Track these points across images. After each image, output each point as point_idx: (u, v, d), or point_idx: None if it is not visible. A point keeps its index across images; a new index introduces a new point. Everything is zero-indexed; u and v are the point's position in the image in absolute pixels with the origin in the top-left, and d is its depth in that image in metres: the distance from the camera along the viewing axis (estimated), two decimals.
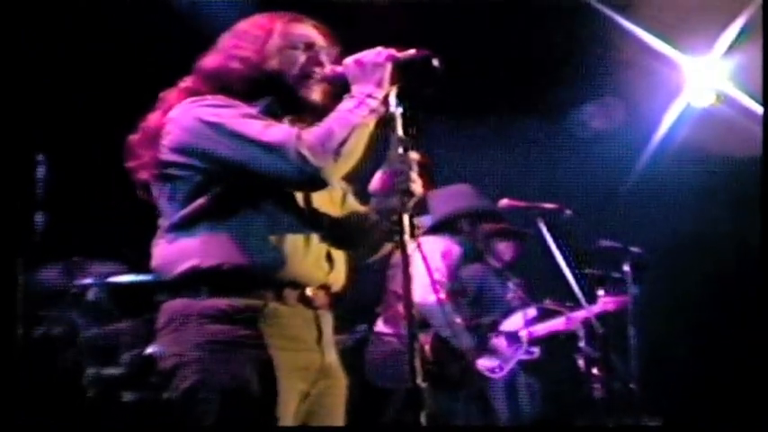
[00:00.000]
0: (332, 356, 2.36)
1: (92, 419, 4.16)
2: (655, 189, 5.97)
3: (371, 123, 2.23)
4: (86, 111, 5.06)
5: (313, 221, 2.32)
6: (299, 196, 2.32)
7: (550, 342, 4.85)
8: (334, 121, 2.20)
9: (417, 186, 2.25)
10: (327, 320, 2.36)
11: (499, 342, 4.66)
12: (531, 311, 4.80)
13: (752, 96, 5.69)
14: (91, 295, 4.43)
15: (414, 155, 2.26)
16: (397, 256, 2.90)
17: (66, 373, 4.26)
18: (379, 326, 4.58)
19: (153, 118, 2.32)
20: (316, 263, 2.30)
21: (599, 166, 5.85)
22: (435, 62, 2.22)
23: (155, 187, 2.30)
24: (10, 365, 3.87)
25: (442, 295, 4.37)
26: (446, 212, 4.68)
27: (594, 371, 4.54)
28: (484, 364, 4.55)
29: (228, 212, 2.22)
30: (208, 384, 2.16)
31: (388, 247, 2.50)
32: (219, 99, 2.27)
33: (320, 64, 2.35)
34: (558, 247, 4.43)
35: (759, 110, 5.56)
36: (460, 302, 4.57)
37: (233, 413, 2.15)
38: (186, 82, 2.37)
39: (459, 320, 4.49)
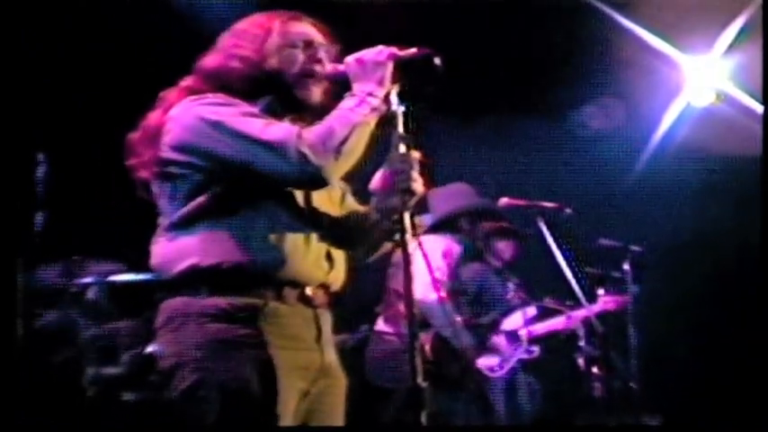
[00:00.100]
0: (331, 356, 2.36)
1: (92, 419, 4.16)
2: (655, 188, 5.97)
3: (372, 122, 2.23)
4: (86, 110, 5.06)
5: (313, 220, 2.32)
6: (299, 195, 2.32)
7: (550, 341, 4.85)
8: (335, 120, 2.20)
9: (418, 185, 2.25)
10: (327, 319, 2.36)
11: (499, 341, 4.66)
12: (531, 310, 4.80)
13: (752, 95, 5.69)
14: (91, 294, 4.43)
15: (415, 154, 2.26)
16: (398, 254, 2.91)
17: (66, 372, 4.26)
18: (380, 325, 4.58)
19: (153, 116, 2.32)
20: (315, 262, 2.30)
21: (599, 165, 5.85)
22: (437, 61, 2.22)
23: (155, 186, 2.30)
24: (9, 365, 3.86)
25: (443, 294, 4.37)
26: (446, 211, 4.68)
27: (594, 370, 4.55)
28: (483, 362, 4.56)
29: (228, 211, 2.22)
30: (207, 383, 2.16)
31: (387, 246, 2.50)
32: (220, 97, 2.27)
33: (320, 62, 2.35)
34: (558, 245, 4.43)
35: (759, 109, 5.56)
36: (460, 301, 4.57)
37: (233, 412, 2.15)
38: (186, 81, 2.37)
39: (459, 319, 4.49)
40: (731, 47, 5.58)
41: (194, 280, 2.21)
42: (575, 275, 4.43)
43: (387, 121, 2.25)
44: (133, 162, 2.32)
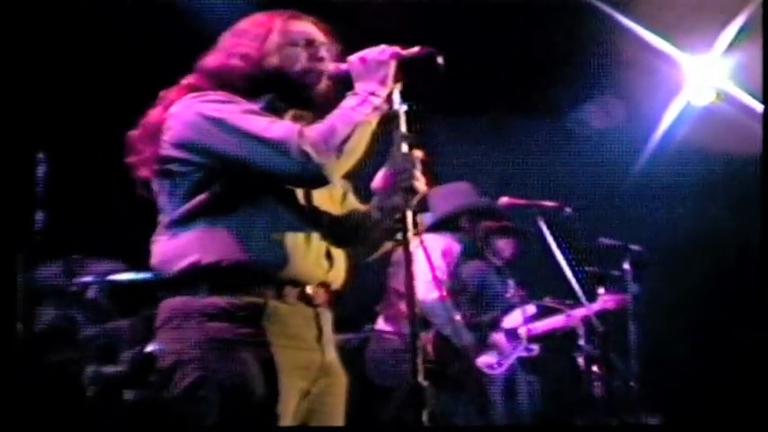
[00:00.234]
0: (332, 355, 2.36)
1: (92, 418, 4.16)
2: (655, 187, 5.97)
3: (374, 121, 2.23)
4: (86, 109, 5.06)
5: (313, 219, 2.32)
6: (300, 194, 2.32)
7: (550, 340, 4.85)
8: (337, 119, 2.20)
9: (421, 184, 2.25)
10: (327, 318, 2.36)
11: (498, 339, 4.67)
12: (531, 309, 4.80)
13: (752, 94, 5.69)
14: (91, 293, 4.42)
15: (417, 153, 2.26)
16: (398, 253, 2.91)
17: (66, 371, 4.26)
18: (380, 324, 4.58)
19: (153, 114, 2.32)
20: (316, 261, 2.30)
21: (599, 165, 5.84)
22: (439, 60, 2.22)
23: (155, 184, 2.30)
24: (9, 364, 3.86)
25: (444, 293, 4.37)
26: (447, 210, 4.68)
27: (594, 369, 4.55)
28: (483, 361, 4.56)
29: (228, 209, 2.22)
30: (208, 382, 2.16)
31: (387, 245, 2.50)
32: (221, 95, 2.27)
33: (321, 61, 2.35)
34: (558, 244, 4.44)
35: (759, 108, 5.56)
36: (460, 300, 4.57)
37: (233, 411, 2.15)
38: (187, 79, 2.37)
39: (459, 318, 4.49)
40: (731, 46, 5.58)
41: (194, 278, 2.21)
42: (574, 274, 4.43)
43: (388, 120, 2.25)
44: (133, 160, 2.32)
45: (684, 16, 5.35)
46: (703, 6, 5.24)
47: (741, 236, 5.61)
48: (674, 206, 5.88)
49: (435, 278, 3.94)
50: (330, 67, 2.34)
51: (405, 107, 2.26)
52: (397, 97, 2.26)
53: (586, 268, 4.79)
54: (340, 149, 2.16)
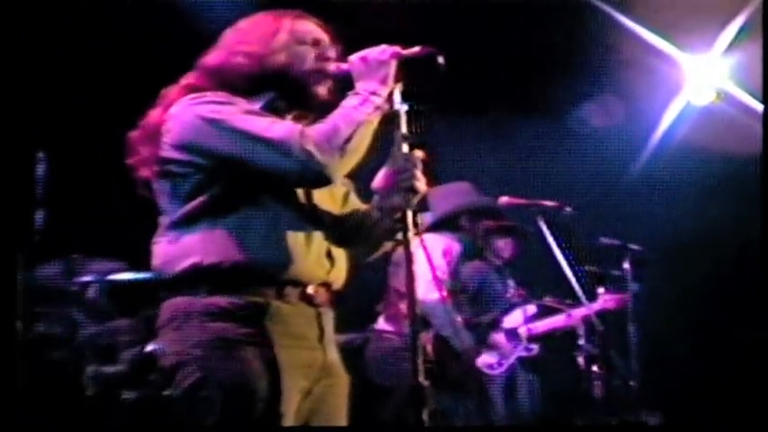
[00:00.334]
0: (333, 355, 2.36)
1: (92, 418, 4.16)
2: (655, 186, 5.97)
3: (376, 121, 2.23)
4: (87, 109, 5.05)
5: (314, 219, 2.32)
6: (300, 194, 2.32)
7: (550, 339, 4.85)
8: (340, 118, 2.20)
9: (421, 184, 2.25)
10: (329, 318, 2.36)
11: (498, 339, 4.67)
12: (531, 309, 4.80)
13: (752, 94, 5.69)
14: (91, 293, 4.43)
15: (418, 153, 2.26)
16: (399, 253, 2.91)
17: (66, 371, 4.26)
18: (380, 324, 4.58)
19: (153, 114, 2.31)
20: (316, 260, 2.30)
21: (599, 164, 5.85)
22: (440, 60, 2.22)
23: (155, 184, 2.29)
24: (9, 363, 3.86)
25: (444, 293, 4.37)
26: (447, 210, 4.68)
27: (594, 368, 4.55)
28: (483, 360, 4.56)
29: (229, 210, 2.22)
30: (209, 382, 2.15)
31: (387, 245, 2.50)
32: (220, 95, 2.26)
33: (327, 60, 2.35)
34: (558, 244, 4.44)
35: (759, 107, 5.56)
36: (461, 300, 4.57)
37: (234, 411, 2.14)
38: (188, 78, 2.36)
39: (459, 318, 4.49)
40: (731, 45, 5.59)
41: (195, 279, 2.20)
42: (574, 274, 4.43)
43: (389, 120, 2.25)
44: (133, 161, 2.32)
45: (684, 16, 5.35)
46: (703, 6, 5.24)
47: (741, 235, 5.61)
48: (674, 206, 5.89)
49: (436, 278, 3.94)
50: (331, 66, 2.34)
51: (405, 107, 2.26)
52: (397, 97, 2.26)
53: (586, 268, 4.80)
54: (343, 149, 2.16)
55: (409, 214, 2.20)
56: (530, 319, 4.77)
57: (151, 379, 4.06)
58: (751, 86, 5.67)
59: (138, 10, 4.83)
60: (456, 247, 4.63)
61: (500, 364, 4.60)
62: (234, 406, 2.14)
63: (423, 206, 2.27)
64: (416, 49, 2.27)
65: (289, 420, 2.18)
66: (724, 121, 5.75)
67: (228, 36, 2.40)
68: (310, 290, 2.28)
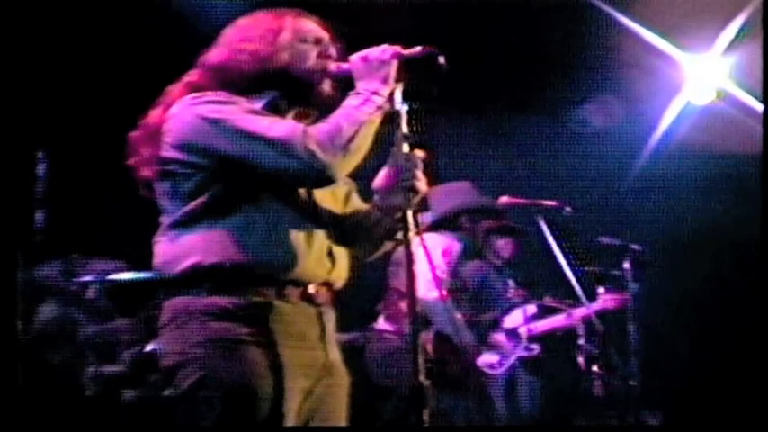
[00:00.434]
0: (335, 354, 2.36)
1: (91, 418, 4.16)
2: (655, 186, 5.98)
3: (378, 120, 2.23)
4: (87, 108, 5.06)
5: (315, 218, 2.32)
6: (301, 194, 2.31)
7: (550, 339, 4.85)
8: (342, 118, 2.20)
9: (422, 184, 2.25)
10: (330, 318, 2.35)
11: (499, 338, 4.67)
12: (531, 308, 4.80)
13: (752, 94, 5.69)
14: (90, 293, 4.43)
15: (419, 152, 2.26)
16: (399, 252, 2.91)
17: (66, 370, 4.26)
18: (381, 323, 4.58)
19: (154, 114, 2.31)
20: (318, 260, 2.29)
21: (599, 164, 5.86)
22: (441, 59, 2.22)
23: (156, 184, 2.29)
24: (9, 363, 3.86)
25: (444, 292, 4.37)
26: (447, 209, 4.68)
27: (594, 368, 4.55)
28: (483, 360, 4.56)
29: (230, 210, 2.21)
30: (210, 382, 2.15)
31: (388, 245, 2.50)
32: (221, 95, 2.26)
33: (329, 59, 2.35)
34: (558, 244, 4.44)
35: (759, 107, 5.57)
36: (461, 299, 4.57)
37: (235, 411, 2.14)
38: (190, 76, 2.36)
39: (459, 317, 4.49)
40: (731, 45, 5.59)
41: (196, 279, 2.20)
42: (574, 274, 4.43)
43: (390, 119, 2.25)
44: (134, 161, 2.31)
45: (684, 16, 5.35)
46: (703, 6, 5.24)
47: (741, 235, 5.61)
48: (673, 205, 5.89)
49: (436, 278, 3.94)
50: (332, 66, 2.34)
51: (406, 107, 2.26)
52: (398, 97, 2.26)
53: (586, 267, 4.80)
54: (346, 148, 2.16)
55: (410, 214, 2.20)
56: (530, 319, 4.77)
57: (151, 379, 4.06)
58: (751, 86, 5.67)
59: (139, 9, 4.83)
60: (456, 247, 4.63)
61: (501, 364, 4.60)
62: (234, 406, 2.14)
63: (423, 206, 2.27)
64: (417, 49, 2.27)
65: (289, 420, 2.18)
66: (724, 121, 5.75)
67: (229, 34, 2.40)
68: (311, 289, 2.28)
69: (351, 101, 2.23)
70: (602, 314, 4.65)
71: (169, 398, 2.21)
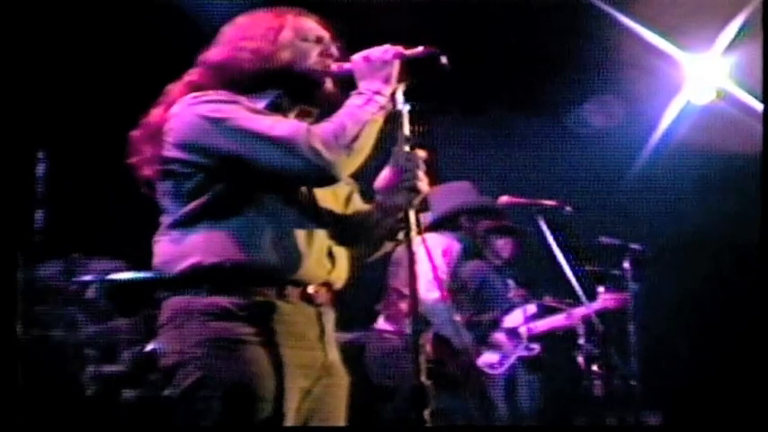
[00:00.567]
0: (334, 354, 2.36)
1: (91, 417, 4.16)
2: (655, 186, 5.98)
3: (380, 120, 2.23)
4: (87, 107, 5.05)
5: (315, 219, 2.32)
6: (302, 193, 2.31)
7: (550, 339, 4.85)
8: (346, 117, 2.20)
9: (423, 184, 2.25)
10: (329, 318, 2.35)
11: (499, 338, 4.66)
12: (531, 308, 4.79)
13: (752, 93, 5.70)
14: (90, 292, 4.43)
15: (420, 152, 2.26)
16: (399, 252, 2.91)
17: (66, 370, 4.26)
18: (381, 323, 4.58)
19: (155, 113, 2.31)
20: (318, 260, 2.29)
21: (599, 163, 5.86)
22: (442, 60, 2.22)
23: (157, 184, 2.29)
24: (9, 363, 3.86)
25: (444, 292, 4.36)
26: (447, 209, 4.68)
27: (594, 368, 4.54)
28: (484, 360, 4.56)
29: (231, 210, 2.21)
30: (209, 382, 2.15)
31: (388, 246, 2.50)
32: (222, 94, 2.26)
33: (330, 57, 2.35)
34: (558, 243, 4.43)
35: (759, 107, 5.57)
36: (461, 299, 4.57)
37: (235, 411, 2.14)
38: (191, 75, 2.36)
39: (459, 317, 4.49)
40: (731, 45, 5.59)
41: (196, 279, 2.20)
42: (574, 273, 4.42)
43: (391, 119, 2.25)
44: (136, 160, 2.31)
45: (684, 16, 5.35)
46: (704, 5, 5.24)
47: (741, 235, 5.61)
48: (673, 205, 5.89)
49: (437, 278, 3.94)
50: (333, 66, 2.34)
51: (408, 107, 2.26)
52: (400, 97, 2.26)
53: (586, 267, 4.79)
54: (350, 147, 2.16)
55: (411, 214, 2.20)
56: (530, 319, 4.76)
57: (151, 379, 4.06)
58: (751, 86, 5.67)
59: (139, 8, 4.83)
60: (456, 247, 4.63)
61: (501, 364, 4.60)
62: (234, 406, 2.14)
63: (424, 206, 2.27)
64: (419, 49, 2.27)
65: (289, 420, 2.18)
66: (724, 121, 5.75)
67: (229, 33, 2.40)
68: (311, 289, 2.28)
69: (353, 100, 2.23)
70: (602, 314, 4.65)
71: (169, 398, 2.21)
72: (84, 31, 4.97)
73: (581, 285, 4.44)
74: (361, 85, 2.25)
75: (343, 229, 2.38)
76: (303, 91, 2.34)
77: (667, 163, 5.99)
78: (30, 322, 4.18)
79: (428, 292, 3.96)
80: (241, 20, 2.41)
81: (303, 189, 2.31)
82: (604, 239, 4.86)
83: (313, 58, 2.34)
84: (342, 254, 2.37)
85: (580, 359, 4.63)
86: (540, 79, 5.80)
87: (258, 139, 2.15)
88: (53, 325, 4.34)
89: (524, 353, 4.72)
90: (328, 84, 2.34)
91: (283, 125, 2.18)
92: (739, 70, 5.70)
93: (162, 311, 2.26)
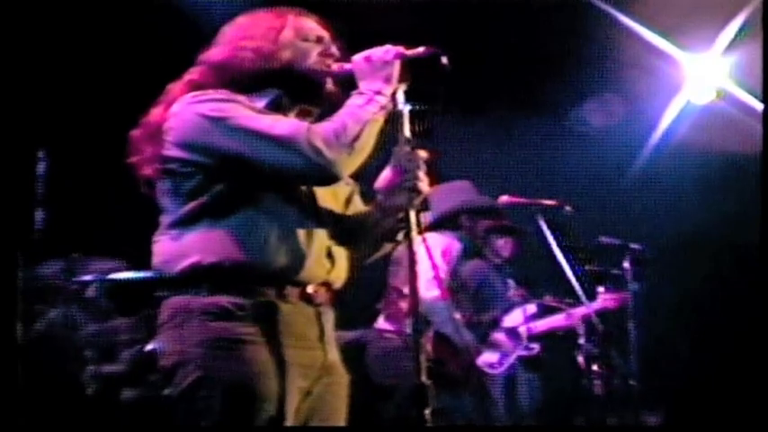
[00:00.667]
0: (334, 354, 2.36)
1: (91, 417, 4.16)
2: (655, 185, 5.99)
3: (381, 120, 2.23)
4: (87, 107, 5.05)
5: (315, 219, 2.31)
6: (302, 193, 2.31)
7: (550, 339, 4.85)
8: (347, 116, 2.20)
9: (424, 184, 2.25)
10: (329, 318, 2.35)
11: (499, 338, 4.66)
12: (531, 308, 4.79)
13: (752, 93, 5.70)
14: (90, 292, 4.42)
15: (421, 152, 2.26)
16: (399, 252, 2.91)
17: (66, 370, 4.25)
18: (381, 323, 4.58)
19: (155, 113, 2.31)
20: (317, 260, 2.29)
21: (599, 163, 5.86)
22: (444, 60, 2.22)
23: (157, 183, 2.29)
24: (9, 363, 3.86)
25: (444, 292, 4.36)
26: (447, 209, 4.67)
27: (594, 367, 4.54)
28: (484, 359, 4.56)
29: (230, 209, 2.21)
30: (209, 382, 2.15)
31: (388, 246, 2.50)
32: (222, 93, 2.26)
33: (331, 57, 2.35)
34: (558, 243, 4.43)
35: (759, 107, 5.57)
36: (460, 299, 4.57)
37: (234, 411, 2.14)
38: (191, 74, 2.36)
39: (459, 317, 4.49)
40: (731, 45, 5.59)
41: (196, 278, 2.20)
42: (574, 273, 4.43)
43: (392, 119, 2.25)
44: (136, 159, 2.31)
45: (684, 16, 5.35)
46: (703, 6, 5.24)
47: (741, 235, 5.61)
48: (673, 204, 5.89)
49: (438, 277, 3.94)
50: (334, 66, 2.34)
51: (408, 107, 2.26)
52: (400, 97, 2.26)
53: (586, 267, 4.79)
54: (351, 146, 2.16)
55: (412, 214, 2.20)
56: (530, 319, 4.76)
57: (152, 379, 4.05)
58: (751, 86, 5.67)
59: (139, 7, 4.83)
60: (456, 246, 4.63)
61: (501, 363, 4.60)
62: (234, 405, 2.14)
63: (425, 206, 2.27)
64: (420, 49, 2.27)
65: (289, 420, 2.18)
66: (724, 121, 5.75)
67: (230, 32, 2.40)
68: (310, 289, 2.28)
69: (354, 100, 2.23)
70: (602, 313, 4.65)
71: (169, 397, 2.21)
72: (85, 31, 4.97)
73: (581, 285, 4.44)
74: (362, 85, 2.25)
75: (343, 229, 2.38)
76: (303, 90, 2.34)
77: (667, 163, 5.99)
78: (30, 322, 4.18)
79: (428, 291, 3.96)
80: (242, 19, 2.41)
81: (303, 189, 2.31)
82: (604, 239, 4.86)
83: (313, 57, 2.34)
84: (341, 254, 2.37)
85: (580, 359, 4.63)
86: (540, 79, 5.80)
87: (259, 138, 2.15)
88: (53, 325, 4.34)
89: (524, 352, 4.72)
90: (329, 83, 2.34)
91: (284, 124, 2.18)
92: (739, 70, 5.70)
93: (162, 311, 2.26)
